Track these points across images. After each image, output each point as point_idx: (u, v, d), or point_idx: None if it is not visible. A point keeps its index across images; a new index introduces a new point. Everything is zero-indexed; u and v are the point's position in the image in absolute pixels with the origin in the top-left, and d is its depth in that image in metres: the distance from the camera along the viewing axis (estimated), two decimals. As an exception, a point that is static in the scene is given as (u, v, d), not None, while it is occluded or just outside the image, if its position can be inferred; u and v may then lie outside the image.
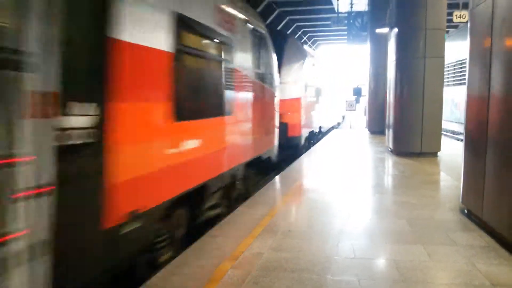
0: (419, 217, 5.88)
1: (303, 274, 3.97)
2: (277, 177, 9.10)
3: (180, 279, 3.92)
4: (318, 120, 17.58)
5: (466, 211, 5.92)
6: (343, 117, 31.95)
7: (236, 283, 3.79)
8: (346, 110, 25.53)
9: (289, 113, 12.85)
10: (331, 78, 22.85)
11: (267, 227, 5.47)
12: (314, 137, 16.95)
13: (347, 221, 5.72)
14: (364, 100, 23.67)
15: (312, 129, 16.29)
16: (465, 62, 9.14)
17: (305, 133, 14.31)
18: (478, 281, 3.81)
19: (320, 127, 18.43)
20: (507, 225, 4.51)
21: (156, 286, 3.77)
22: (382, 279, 3.86)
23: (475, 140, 5.52)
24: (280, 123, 11.08)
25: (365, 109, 23.47)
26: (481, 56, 5.26)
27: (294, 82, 13.29)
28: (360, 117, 31.78)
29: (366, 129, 21.87)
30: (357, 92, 27.26)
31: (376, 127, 19.52)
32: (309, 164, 10.96)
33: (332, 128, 24.89)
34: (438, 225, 5.52)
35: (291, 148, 13.13)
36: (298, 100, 13.42)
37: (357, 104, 26.52)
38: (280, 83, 11.50)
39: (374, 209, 6.50)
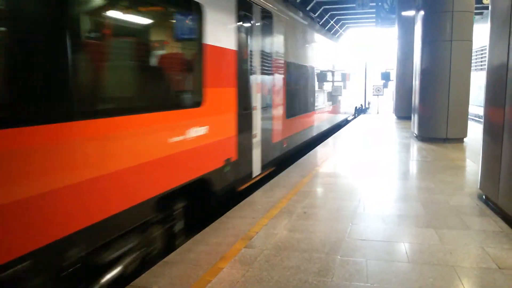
0: (435, 202, 5.90)
1: (313, 254, 4.13)
2: (298, 161, 9.22)
3: (196, 255, 4.16)
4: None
5: (484, 197, 5.90)
6: (369, 103, 31.47)
7: (248, 261, 4.00)
8: (373, 95, 25.10)
9: None
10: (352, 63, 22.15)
11: (284, 209, 5.65)
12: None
13: (363, 204, 5.82)
14: (392, 84, 23.17)
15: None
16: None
17: None
18: (486, 264, 3.87)
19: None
20: (520, 211, 4.51)
21: (174, 261, 4.03)
22: (389, 261, 3.97)
23: (493, 124, 5.47)
24: None
25: (393, 94, 23.04)
26: (501, 38, 5.17)
27: None
28: (387, 102, 31.23)
29: (393, 114, 21.54)
30: (385, 77, 26.66)
31: (403, 112, 19.20)
32: (331, 150, 11.01)
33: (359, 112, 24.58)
34: (453, 210, 5.53)
35: None
36: None
37: (385, 89, 25.99)
38: None
39: (391, 193, 6.54)
